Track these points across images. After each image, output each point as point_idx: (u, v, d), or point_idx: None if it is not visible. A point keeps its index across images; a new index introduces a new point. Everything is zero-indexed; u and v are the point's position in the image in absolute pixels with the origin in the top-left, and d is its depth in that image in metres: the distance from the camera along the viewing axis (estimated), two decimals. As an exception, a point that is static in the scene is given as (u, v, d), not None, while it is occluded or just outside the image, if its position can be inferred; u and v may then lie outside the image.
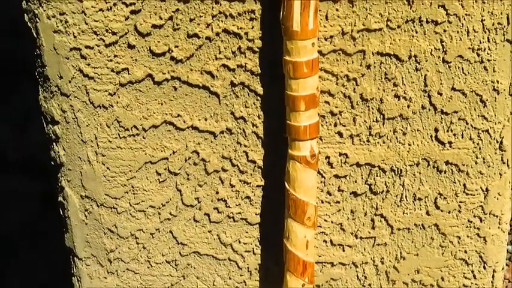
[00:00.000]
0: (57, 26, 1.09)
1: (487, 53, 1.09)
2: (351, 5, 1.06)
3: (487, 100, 1.12)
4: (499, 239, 1.23)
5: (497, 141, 1.15)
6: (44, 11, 1.08)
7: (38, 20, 1.09)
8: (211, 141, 1.16)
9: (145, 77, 1.12)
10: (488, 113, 1.13)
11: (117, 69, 1.11)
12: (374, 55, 1.09)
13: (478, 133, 1.14)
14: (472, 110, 1.13)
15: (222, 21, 1.08)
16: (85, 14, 1.07)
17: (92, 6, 1.07)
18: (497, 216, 1.21)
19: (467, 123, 1.14)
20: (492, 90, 1.11)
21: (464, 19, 1.07)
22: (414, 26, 1.07)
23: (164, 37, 1.09)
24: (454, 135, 1.14)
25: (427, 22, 1.07)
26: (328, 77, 1.11)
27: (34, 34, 1.12)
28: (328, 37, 1.08)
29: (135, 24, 1.08)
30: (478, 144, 1.15)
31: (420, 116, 1.13)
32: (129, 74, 1.12)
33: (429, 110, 1.13)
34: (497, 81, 1.11)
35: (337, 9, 1.07)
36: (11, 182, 2.38)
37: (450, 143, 1.15)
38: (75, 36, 1.09)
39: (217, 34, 1.09)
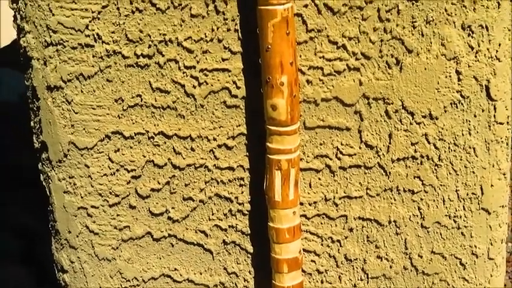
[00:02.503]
0: (67, 188, 1.20)
1: (464, 220, 1.14)
2: (332, 175, 1.14)
3: (466, 263, 1.17)
4: None
5: (479, 302, 1.19)
6: (56, 174, 1.20)
7: (50, 181, 1.21)
8: (206, 294, 1.24)
9: (145, 234, 1.22)
10: (468, 275, 1.18)
11: (119, 227, 1.21)
12: (356, 219, 1.16)
13: (460, 294, 1.19)
14: (453, 272, 1.18)
15: (214, 186, 1.17)
16: (91, 178, 1.19)
17: (97, 171, 1.18)
18: None
19: (448, 284, 1.18)
20: (471, 254, 1.16)
21: (440, 189, 1.13)
22: (392, 194, 1.15)
23: (162, 199, 1.19)
24: (437, 295, 1.19)
25: (405, 191, 1.14)
26: (314, 239, 1.18)
27: (47, 193, 1.23)
28: (312, 202, 1.16)
29: (136, 187, 1.19)
30: (460, 304, 1.19)
31: (403, 276, 1.19)
32: (130, 231, 1.21)
33: (411, 270, 1.18)
34: (475, 246, 1.16)
35: (319, 178, 1.15)
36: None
37: (433, 302, 1.20)
38: (82, 197, 1.20)
39: (210, 198, 1.18)
